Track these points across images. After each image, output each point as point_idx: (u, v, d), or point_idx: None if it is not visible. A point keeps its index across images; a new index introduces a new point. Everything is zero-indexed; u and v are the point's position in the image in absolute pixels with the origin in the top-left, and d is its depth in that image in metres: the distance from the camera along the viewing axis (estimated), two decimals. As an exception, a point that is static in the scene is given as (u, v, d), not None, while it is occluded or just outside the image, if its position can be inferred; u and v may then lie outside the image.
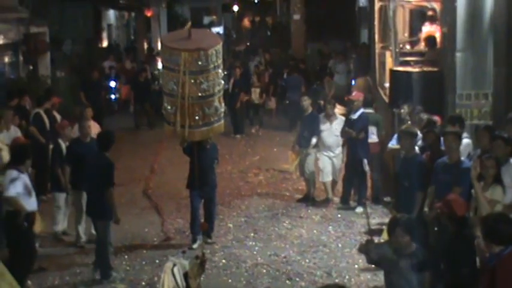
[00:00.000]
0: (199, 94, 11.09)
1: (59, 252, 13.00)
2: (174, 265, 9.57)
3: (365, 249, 8.66)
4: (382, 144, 15.80)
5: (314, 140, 15.56)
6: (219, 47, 11.24)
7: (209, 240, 13.24)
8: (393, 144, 13.20)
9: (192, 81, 10.95)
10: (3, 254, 10.29)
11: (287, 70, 26.42)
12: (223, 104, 11.51)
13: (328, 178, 15.69)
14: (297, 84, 24.88)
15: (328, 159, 15.60)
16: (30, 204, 10.99)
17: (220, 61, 11.26)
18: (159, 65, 28.02)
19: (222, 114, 11.59)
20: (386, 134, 15.98)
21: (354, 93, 16.40)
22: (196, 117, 11.18)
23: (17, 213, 10.72)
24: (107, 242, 11.88)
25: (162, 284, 9.46)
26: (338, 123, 15.52)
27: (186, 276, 9.72)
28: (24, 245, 10.87)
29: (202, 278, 11.22)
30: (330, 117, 15.65)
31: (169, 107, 11.25)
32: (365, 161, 15.03)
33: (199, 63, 10.85)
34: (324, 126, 15.61)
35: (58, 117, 16.51)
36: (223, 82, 11.57)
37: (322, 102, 16.97)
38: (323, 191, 15.84)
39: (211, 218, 13.42)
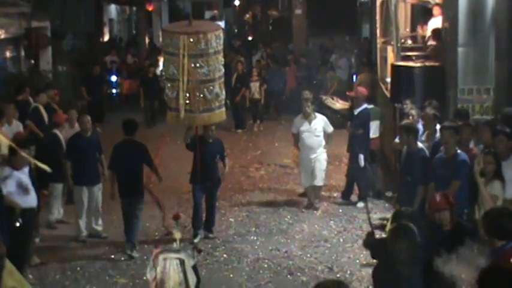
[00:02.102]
0: (200, 78, 11.22)
1: (60, 246, 13.00)
2: (183, 261, 9.55)
3: (368, 243, 8.67)
4: (382, 139, 15.78)
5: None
6: (219, 32, 11.39)
7: (210, 235, 13.26)
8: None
9: (192, 64, 11.11)
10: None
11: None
12: (224, 91, 11.62)
13: (307, 183, 15.12)
14: (279, 76, 25.92)
15: (309, 162, 14.95)
16: (27, 201, 10.92)
17: (221, 47, 11.42)
18: (161, 63, 28.05)
19: (223, 102, 11.68)
20: (387, 129, 15.96)
21: (357, 89, 16.37)
22: (197, 102, 11.31)
23: (13, 210, 10.68)
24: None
25: (161, 280, 9.40)
26: (318, 122, 14.97)
27: (195, 269, 9.75)
28: (18, 242, 10.76)
29: (203, 273, 11.29)
30: (309, 116, 14.98)
31: (170, 93, 11.41)
32: (361, 156, 14.96)
33: (199, 46, 11.00)
34: (303, 127, 14.99)
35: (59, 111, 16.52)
36: (223, 69, 11.70)
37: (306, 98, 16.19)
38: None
39: (212, 212, 13.42)
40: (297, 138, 15.25)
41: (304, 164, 15.07)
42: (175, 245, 10.21)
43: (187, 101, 11.06)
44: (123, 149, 12.85)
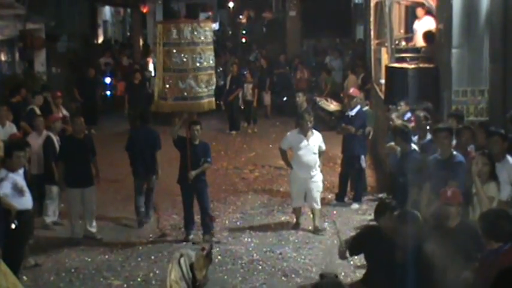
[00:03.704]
0: (173, 67, 12.02)
1: (54, 248, 12.96)
2: (181, 256, 9.61)
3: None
4: (373, 141, 15.79)
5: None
6: (196, 25, 12.15)
7: (207, 237, 13.12)
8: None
9: (166, 52, 12.05)
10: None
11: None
12: (203, 85, 12.11)
13: (298, 204, 13.96)
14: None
15: (303, 182, 13.72)
16: (22, 203, 10.89)
17: (198, 40, 12.07)
18: (151, 67, 28.08)
19: (201, 95, 12.23)
20: (381, 130, 15.98)
21: (352, 90, 16.38)
22: (170, 90, 12.14)
23: (8, 212, 10.65)
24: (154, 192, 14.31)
25: (169, 273, 9.52)
26: (315, 139, 13.74)
27: (192, 267, 9.76)
28: (13, 244, 10.71)
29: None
30: (307, 132, 13.68)
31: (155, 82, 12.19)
32: (362, 157, 15.06)
33: (171, 36, 11.92)
34: (301, 144, 13.66)
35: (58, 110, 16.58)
36: (205, 64, 12.22)
37: (301, 112, 15.44)
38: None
39: (204, 214, 13.31)
40: (286, 155, 14.13)
41: (298, 183, 13.86)
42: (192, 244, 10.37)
43: (160, 88, 12.02)
44: (140, 134, 14.16)
